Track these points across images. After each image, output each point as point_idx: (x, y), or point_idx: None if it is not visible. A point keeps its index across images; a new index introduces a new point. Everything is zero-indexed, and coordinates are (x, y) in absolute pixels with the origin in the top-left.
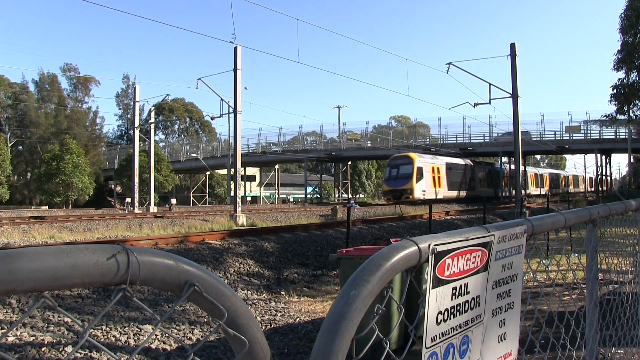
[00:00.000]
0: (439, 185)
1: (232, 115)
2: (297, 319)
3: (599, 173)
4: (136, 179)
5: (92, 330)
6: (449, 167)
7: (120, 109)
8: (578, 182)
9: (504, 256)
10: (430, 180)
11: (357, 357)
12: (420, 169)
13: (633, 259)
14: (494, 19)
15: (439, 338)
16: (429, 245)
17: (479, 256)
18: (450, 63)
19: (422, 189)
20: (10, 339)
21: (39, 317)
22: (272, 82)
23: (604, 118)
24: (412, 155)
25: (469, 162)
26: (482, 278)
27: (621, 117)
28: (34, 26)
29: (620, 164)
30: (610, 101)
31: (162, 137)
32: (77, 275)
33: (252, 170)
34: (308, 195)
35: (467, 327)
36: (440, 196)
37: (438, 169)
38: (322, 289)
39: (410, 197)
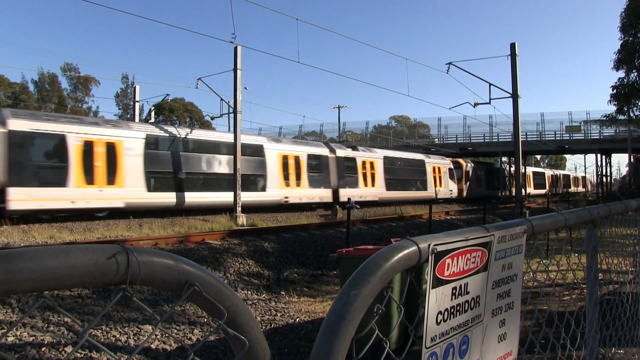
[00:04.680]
0: (374, 184)
1: (232, 115)
2: (297, 319)
3: (599, 173)
4: None
5: (92, 330)
6: (389, 161)
7: (120, 109)
8: (569, 181)
9: (504, 256)
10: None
11: (357, 357)
12: None
13: (633, 259)
14: (494, 19)
15: (439, 338)
16: (429, 245)
17: (479, 256)
18: (450, 63)
19: None
20: (10, 339)
21: (39, 317)
22: (272, 82)
23: (604, 118)
24: None
25: (421, 156)
26: (482, 278)
27: (621, 117)
28: (34, 26)
29: (620, 164)
30: (610, 101)
31: None
32: (77, 275)
33: None
34: None
35: (467, 327)
36: (372, 198)
37: (372, 163)
38: (322, 289)
39: None
